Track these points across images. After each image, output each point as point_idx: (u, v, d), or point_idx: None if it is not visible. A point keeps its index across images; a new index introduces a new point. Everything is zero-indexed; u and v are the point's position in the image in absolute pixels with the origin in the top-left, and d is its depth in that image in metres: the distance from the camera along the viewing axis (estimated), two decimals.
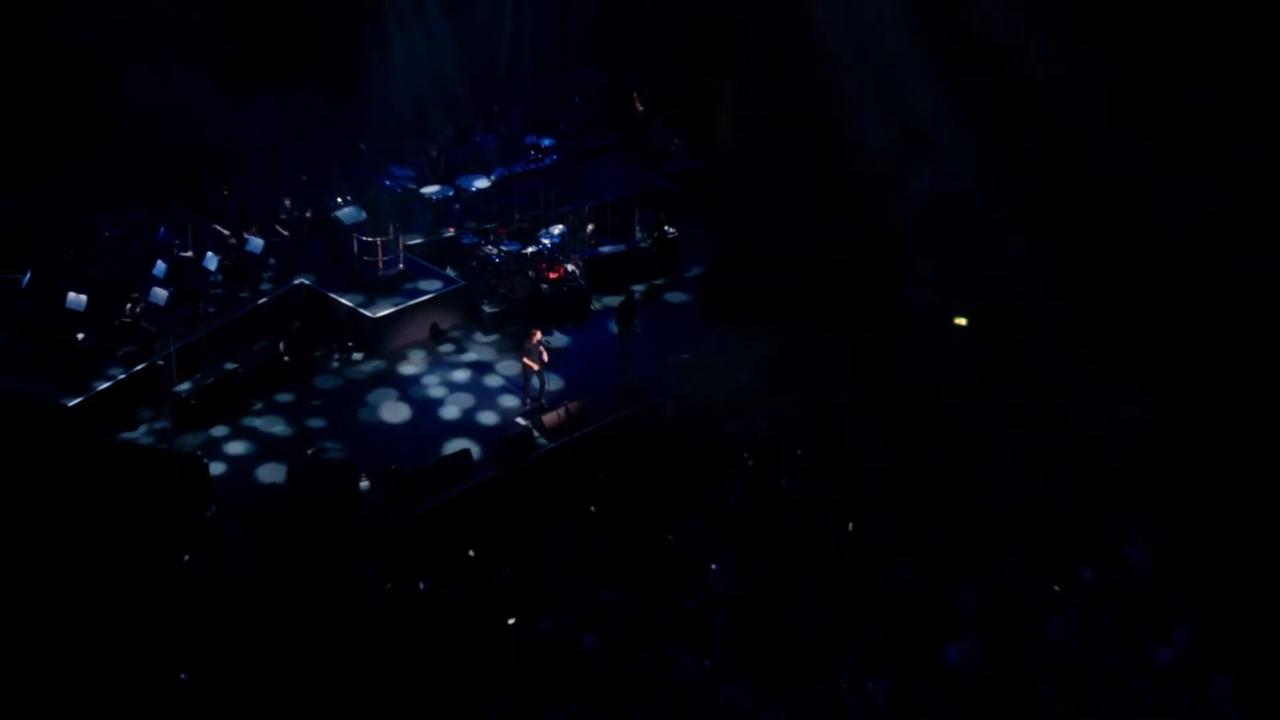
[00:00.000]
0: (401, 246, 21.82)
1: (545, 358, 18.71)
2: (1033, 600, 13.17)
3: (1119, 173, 19.70)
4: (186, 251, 20.71)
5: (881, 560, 13.94)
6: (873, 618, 12.74)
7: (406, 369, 20.28)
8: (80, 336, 18.26)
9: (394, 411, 19.09)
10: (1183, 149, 18.74)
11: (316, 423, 18.68)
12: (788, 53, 24.96)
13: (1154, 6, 19.34)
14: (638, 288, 22.40)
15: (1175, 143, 18.81)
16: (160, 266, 19.58)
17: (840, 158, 22.68)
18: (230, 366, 19.15)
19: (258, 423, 18.61)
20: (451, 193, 23.73)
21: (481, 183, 23.97)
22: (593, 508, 15.60)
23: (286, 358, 19.50)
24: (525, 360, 18.73)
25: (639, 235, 24.29)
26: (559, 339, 20.70)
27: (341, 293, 21.05)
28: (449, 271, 22.23)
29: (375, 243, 21.30)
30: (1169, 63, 19.13)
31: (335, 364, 20.27)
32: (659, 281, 23.39)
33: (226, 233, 21.55)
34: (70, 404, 17.36)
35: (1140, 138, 19.23)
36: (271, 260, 21.47)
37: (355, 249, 21.39)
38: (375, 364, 20.34)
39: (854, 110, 22.62)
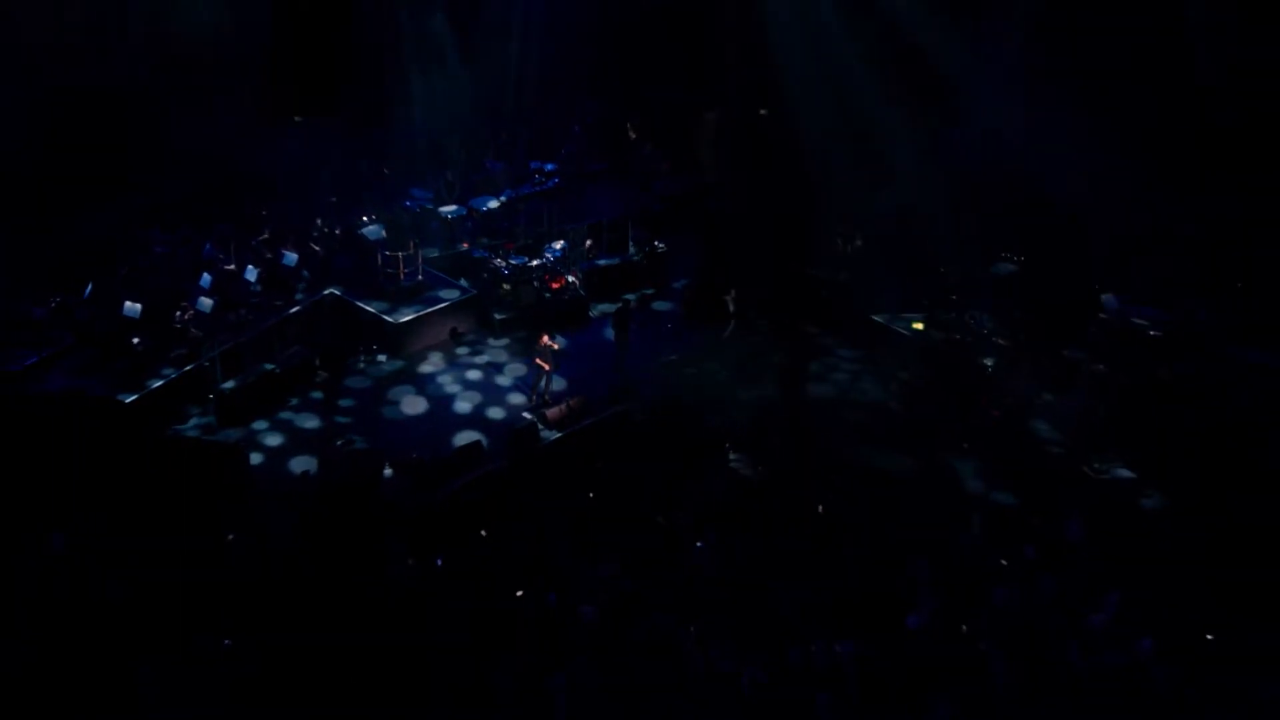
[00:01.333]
0: (420, 260, 21.81)
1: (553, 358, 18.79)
2: (981, 573, 13.18)
3: (1058, 195, 19.97)
4: (229, 265, 20.69)
5: (847, 537, 13.95)
6: (840, 587, 12.74)
7: (425, 368, 20.28)
8: (136, 341, 18.23)
9: (414, 406, 19.07)
10: (1112, 172, 19.08)
11: (345, 417, 18.68)
12: (760, 86, 25.10)
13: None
14: (629, 297, 22.38)
15: (1105, 167, 19.14)
16: (206, 278, 19.53)
17: (807, 180, 22.77)
18: (268, 367, 19.14)
19: (293, 417, 18.61)
20: (465, 212, 23.71)
21: (492, 203, 23.95)
22: (591, 493, 15.58)
23: (322, 373, 19.54)
24: (538, 360, 18.76)
25: (632, 250, 24.33)
26: (560, 341, 20.71)
27: (367, 301, 21.03)
28: (463, 282, 22.20)
29: (397, 257, 21.32)
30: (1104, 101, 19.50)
31: (362, 365, 20.25)
32: (648, 291, 23.41)
33: (265, 245, 21.56)
34: (127, 400, 17.33)
35: (1078, 165, 19.53)
36: (305, 272, 21.41)
37: (380, 262, 21.38)
38: (397, 364, 20.35)
39: (820, 136, 22.73)
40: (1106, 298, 18.31)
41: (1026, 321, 19.32)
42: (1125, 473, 15.85)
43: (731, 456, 16.73)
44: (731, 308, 20.56)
